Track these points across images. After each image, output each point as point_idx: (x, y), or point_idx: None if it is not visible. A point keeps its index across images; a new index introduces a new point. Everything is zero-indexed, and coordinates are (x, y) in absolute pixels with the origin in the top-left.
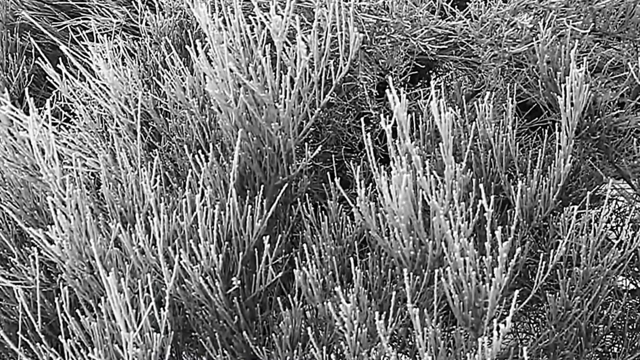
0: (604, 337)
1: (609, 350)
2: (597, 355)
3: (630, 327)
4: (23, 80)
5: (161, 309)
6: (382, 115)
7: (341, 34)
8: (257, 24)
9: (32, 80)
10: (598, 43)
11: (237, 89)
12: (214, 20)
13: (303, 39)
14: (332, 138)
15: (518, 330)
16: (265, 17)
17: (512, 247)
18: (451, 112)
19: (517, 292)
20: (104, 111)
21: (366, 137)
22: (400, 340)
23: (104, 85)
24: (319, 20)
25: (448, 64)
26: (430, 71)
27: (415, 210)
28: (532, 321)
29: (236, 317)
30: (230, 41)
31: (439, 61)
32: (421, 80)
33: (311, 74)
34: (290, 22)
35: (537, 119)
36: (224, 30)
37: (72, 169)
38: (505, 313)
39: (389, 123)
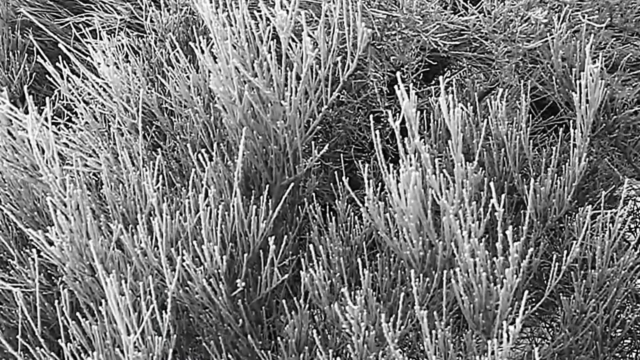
0: (621, 342)
1: (627, 355)
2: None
3: None
4: (24, 78)
5: (163, 312)
6: (390, 113)
7: (349, 30)
8: (262, 19)
9: (33, 79)
10: (616, 39)
11: (242, 87)
12: (218, 16)
13: (310, 35)
14: (342, 137)
15: (534, 335)
16: (271, 12)
17: (525, 248)
18: (462, 109)
19: (526, 292)
20: (107, 110)
21: (375, 135)
22: (411, 345)
23: (106, 83)
24: (327, 15)
25: (462, 60)
26: (445, 68)
27: (425, 210)
28: (548, 325)
29: (241, 321)
30: (235, 37)
31: (452, 58)
32: (434, 78)
33: (318, 71)
34: (296, 17)
35: (552, 117)
36: (228, 27)
37: (73, 169)
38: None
39: (397, 120)
